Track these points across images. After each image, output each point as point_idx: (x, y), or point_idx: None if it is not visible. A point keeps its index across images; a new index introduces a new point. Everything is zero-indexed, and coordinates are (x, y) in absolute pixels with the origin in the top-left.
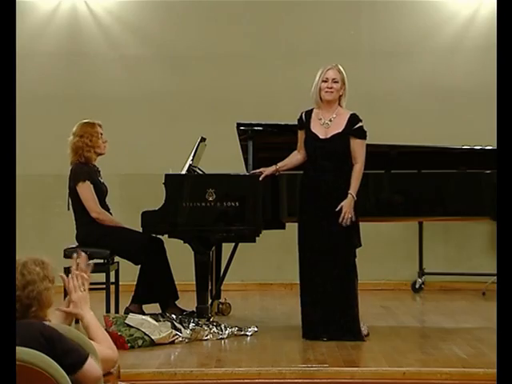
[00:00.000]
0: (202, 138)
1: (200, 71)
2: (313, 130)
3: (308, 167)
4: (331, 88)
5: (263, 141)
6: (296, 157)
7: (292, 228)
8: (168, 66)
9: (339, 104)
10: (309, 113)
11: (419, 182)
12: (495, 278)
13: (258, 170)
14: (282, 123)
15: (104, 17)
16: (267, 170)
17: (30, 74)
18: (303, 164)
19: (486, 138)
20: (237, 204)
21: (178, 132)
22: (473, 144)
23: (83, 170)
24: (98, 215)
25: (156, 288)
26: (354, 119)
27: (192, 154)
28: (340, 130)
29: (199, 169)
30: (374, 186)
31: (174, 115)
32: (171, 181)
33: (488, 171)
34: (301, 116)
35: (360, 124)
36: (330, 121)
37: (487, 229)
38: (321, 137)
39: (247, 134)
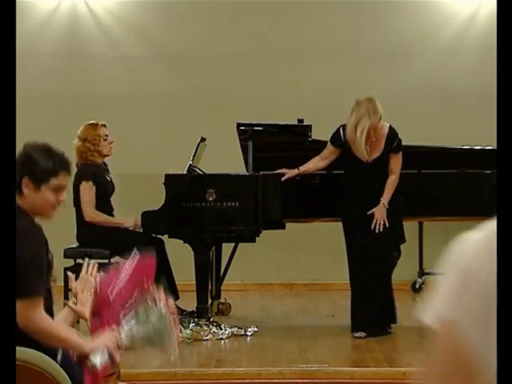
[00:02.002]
0: (202, 138)
1: (200, 71)
2: (355, 153)
3: (350, 173)
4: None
5: (263, 141)
6: (318, 164)
7: (292, 228)
8: (168, 65)
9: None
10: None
11: (419, 181)
12: None
13: (280, 171)
14: (282, 123)
15: (104, 17)
16: (290, 173)
17: (29, 73)
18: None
19: (485, 138)
20: (237, 204)
21: (178, 132)
22: (473, 144)
23: (89, 169)
24: (92, 219)
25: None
26: (391, 136)
27: (192, 154)
28: (380, 154)
29: (199, 169)
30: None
31: (174, 115)
32: (171, 181)
33: (488, 171)
34: (338, 131)
35: (397, 139)
36: (371, 144)
37: None
38: (363, 160)
39: (247, 134)
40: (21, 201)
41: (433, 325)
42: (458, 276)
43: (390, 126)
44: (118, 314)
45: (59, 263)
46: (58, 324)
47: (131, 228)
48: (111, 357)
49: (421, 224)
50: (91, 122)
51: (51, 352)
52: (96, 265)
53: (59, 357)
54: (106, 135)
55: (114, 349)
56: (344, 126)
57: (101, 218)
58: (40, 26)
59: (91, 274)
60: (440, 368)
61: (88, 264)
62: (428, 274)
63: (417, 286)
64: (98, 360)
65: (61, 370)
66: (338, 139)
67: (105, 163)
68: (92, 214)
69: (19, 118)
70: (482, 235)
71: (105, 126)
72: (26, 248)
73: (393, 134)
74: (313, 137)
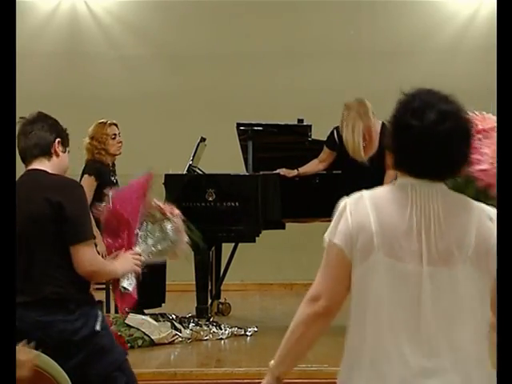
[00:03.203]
0: (201, 138)
1: (200, 71)
2: (352, 155)
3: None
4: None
5: (263, 141)
6: (318, 166)
7: (292, 228)
8: (168, 66)
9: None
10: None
11: None
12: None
13: (279, 171)
14: (282, 123)
15: (104, 17)
16: (289, 173)
17: (29, 73)
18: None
19: None
20: (237, 204)
21: (178, 132)
22: None
23: (95, 165)
24: None
25: (150, 291)
26: (385, 132)
27: (192, 154)
28: (375, 151)
29: (199, 169)
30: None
31: (173, 115)
32: (171, 181)
33: None
34: (332, 134)
35: None
36: (365, 142)
37: None
38: (359, 160)
39: (247, 134)
40: (50, 164)
41: (325, 243)
42: (338, 215)
43: (383, 122)
44: (134, 232)
45: None
46: (102, 259)
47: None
48: (138, 278)
49: None
50: (101, 120)
51: (91, 319)
52: None
53: (98, 324)
54: (115, 134)
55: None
56: (337, 128)
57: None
58: (40, 26)
59: None
60: (325, 264)
61: None
62: None
63: None
64: (129, 284)
65: (61, 370)
66: (332, 142)
67: (113, 164)
68: None
69: (18, 118)
70: (358, 194)
71: (115, 125)
72: (78, 195)
73: (386, 129)
74: (313, 137)
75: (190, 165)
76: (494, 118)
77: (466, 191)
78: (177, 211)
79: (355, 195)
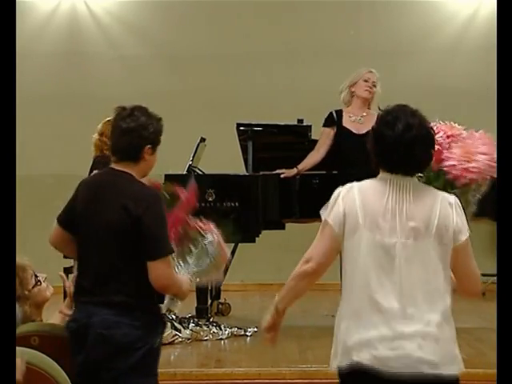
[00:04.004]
0: (201, 138)
1: (199, 71)
2: (345, 126)
3: (344, 166)
4: (371, 88)
5: (263, 141)
6: (315, 157)
7: (291, 228)
8: (167, 66)
9: (369, 107)
10: (339, 112)
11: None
12: (495, 278)
13: (278, 171)
14: (282, 123)
15: (103, 17)
16: (288, 172)
17: (29, 73)
18: (326, 161)
19: None
20: (236, 204)
21: (178, 132)
22: None
23: (103, 161)
24: None
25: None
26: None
27: (192, 154)
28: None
29: (199, 169)
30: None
31: (173, 115)
32: (171, 181)
33: None
34: (331, 114)
35: None
36: (362, 117)
37: (486, 229)
38: (355, 132)
39: (247, 134)
40: (136, 168)
41: (323, 221)
42: (333, 200)
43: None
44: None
45: (59, 263)
46: (175, 273)
47: None
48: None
49: None
50: (110, 118)
51: (153, 332)
52: None
53: (158, 340)
54: None
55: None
56: (336, 110)
57: None
58: (40, 26)
59: None
60: (319, 236)
61: None
62: None
63: None
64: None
65: (61, 370)
66: (330, 120)
67: None
68: None
69: (18, 117)
70: (350, 184)
71: None
72: (158, 209)
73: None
74: (312, 137)
75: (190, 165)
76: (459, 127)
77: (437, 181)
78: (211, 226)
79: (348, 185)
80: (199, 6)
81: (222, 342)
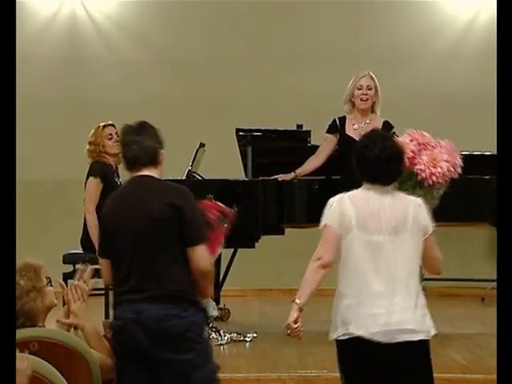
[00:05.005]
0: (201, 143)
1: (199, 76)
2: (348, 134)
3: (345, 173)
4: (366, 95)
5: (262, 146)
6: (314, 162)
7: (291, 233)
8: (167, 70)
9: (373, 111)
10: (342, 119)
11: None
12: (494, 283)
13: (276, 177)
14: (282, 129)
15: (103, 22)
16: (285, 176)
17: (29, 79)
18: (322, 168)
19: (484, 143)
20: (236, 209)
21: (177, 137)
22: (471, 150)
23: (99, 167)
24: (88, 215)
25: None
26: (387, 127)
27: (191, 160)
28: None
29: (198, 174)
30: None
31: (173, 120)
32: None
33: (487, 177)
34: (334, 121)
35: (393, 131)
36: (365, 125)
37: (486, 234)
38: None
39: (246, 139)
40: (157, 172)
41: (322, 225)
42: (329, 207)
43: (385, 120)
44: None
45: (58, 269)
46: None
47: None
48: None
49: None
50: (98, 124)
51: (199, 322)
52: (90, 270)
53: (205, 329)
54: (110, 134)
55: None
56: (340, 118)
57: (92, 220)
58: (39, 31)
59: (85, 280)
60: (323, 238)
61: (81, 270)
62: (427, 279)
63: None
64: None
65: (60, 376)
66: (333, 126)
67: (116, 167)
68: (90, 209)
69: (18, 122)
70: (341, 195)
71: (112, 125)
72: (193, 199)
73: (389, 126)
74: (312, 142)
75: (190, 170)
76: (429, 135)
77: (410, 180)
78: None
79: (339, 195)
80: (198, 11)
81: (222, 347)
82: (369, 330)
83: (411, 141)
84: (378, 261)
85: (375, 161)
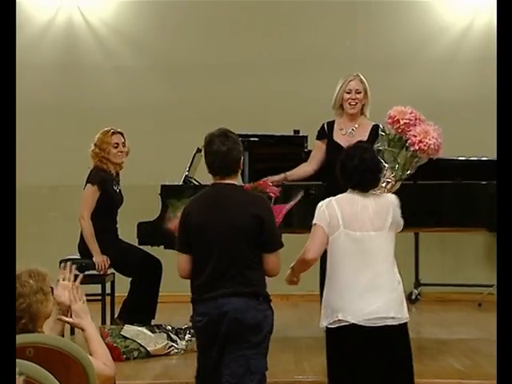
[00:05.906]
0: (198, 148)
1: (196, 82)
2: (336, 140)
3: (332, 179)
4: (355, 99)
5: (259, 152)
6: (305, 168)
7: (288, 239)
8: (164, 76)
9: (362, 113)
10: (331, 124)
11: (415, 192)
12: (491, 289)
13: (265, 179)
14: (278, 134)
15: (100, 28)
16: (275, 177)
17: (26, 85)
18: (314, 175)
19: (481, 148)
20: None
21: (174, 143)
22: (468, 155)
23: (98, 174)
24: (83, 222)
25: (141, 308)
26: (377, 131)
27: (188, 165)
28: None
29: (195, 179)
30: None
31: (170, 126)
32: (167, 191)
33: (484, 182)
34: (323, 126)
35: (383, 133)
36: (353, 130)
37: (483, 240)
38: (343, 146)
39: (243, 144)
40: (235, 179)
41: (313, 224)
42: (319, 209)
43: (375, 124)
44: None
45: (56, 274)
46: None
47: (100, 265)
48: None
49: (417, 235)
50: (106, 128)
51: (270, 317)
52: (70, 265)
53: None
54: (117, 143)
55: None
56: (328, 123)
57: (86, 227)
58: (36, 38)
59: (69, 280)
60: (312, 235)
61: (65, 268)
62: (424, 284)
63: (413, 297)
64: None
65: (57, 382)
66: (321, 133)
67: (118, 174)
68: (84, 216)
69: (16, 128)
70: (329, 199)
71: (121, 133)
72: (271, 208)
73: (377, 129)
74: (309, 148)
75: (186, 175)
76: (409, 109)
77: (399, 142)
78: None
79: (327, 199)
80: (195, 18)
81: None
82: (356, 317)
83: (411, 113)
84: (363, 255)
85: (353, 171)
